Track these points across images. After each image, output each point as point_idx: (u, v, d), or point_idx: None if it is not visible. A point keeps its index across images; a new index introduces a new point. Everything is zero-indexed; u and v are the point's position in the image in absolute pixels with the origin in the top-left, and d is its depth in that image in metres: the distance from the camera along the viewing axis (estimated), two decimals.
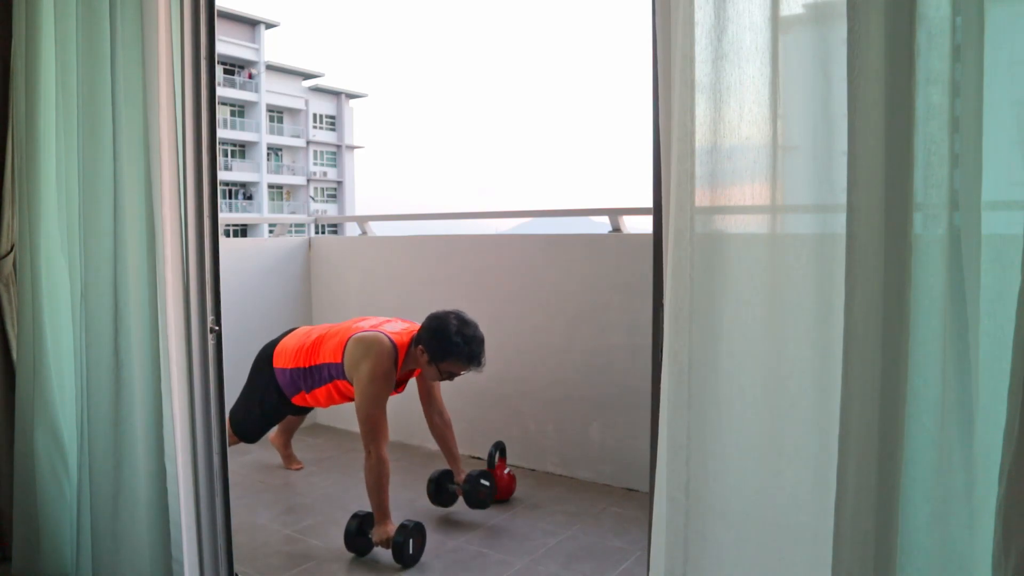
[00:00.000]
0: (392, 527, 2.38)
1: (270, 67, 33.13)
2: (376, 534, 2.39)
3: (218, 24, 1.87)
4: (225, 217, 10.65)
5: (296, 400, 2.76)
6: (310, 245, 4.03)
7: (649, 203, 1.45)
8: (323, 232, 23.37)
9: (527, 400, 3.25)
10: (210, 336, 1.88)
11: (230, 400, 1.97)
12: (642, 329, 2.81)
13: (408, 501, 2.88)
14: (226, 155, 31.33)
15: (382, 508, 2.41)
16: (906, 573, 1.05)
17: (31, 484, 2.02)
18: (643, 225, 3.15)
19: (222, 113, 30.38)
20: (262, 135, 32.32)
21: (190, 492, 1.88)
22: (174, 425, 1.85)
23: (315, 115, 35.40)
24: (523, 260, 3.31)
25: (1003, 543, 0.94)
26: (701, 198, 1.24)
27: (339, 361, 2.60)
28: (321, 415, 3.94)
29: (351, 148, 36.65)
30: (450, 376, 2.56)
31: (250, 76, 32.31)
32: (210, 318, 1.88)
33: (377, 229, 4.04)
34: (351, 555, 2.42)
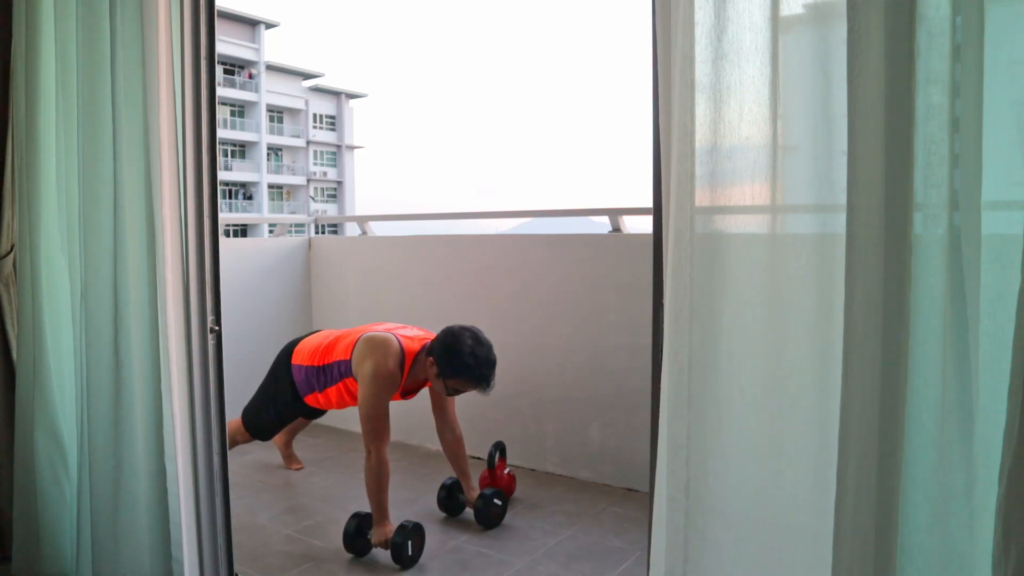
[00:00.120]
0: (391, 528, 2.38)
1: (270, 67, 33.14)
2: (375, 535, 2.39)
3: (218, 24, 1.87)
4: (225, 217, 10.66)
5: (309, 400, 2.76)
6: (310, 245, 4.03)
7: (649, 203, 1.45)
8: (323, 232, 23.37)
9: (527, 400, 3.25)
10: (210, 336, 1.88)
11: (230, 400, 1.97)
12: (642, 329, 2.81)
13: (408, 501, 2.88)
14: (226, 155, 31.33)
15: (381, 509, 2.41)
16: (906, 573, 1.05)
17: (31, 484, 2.02)
18: (643, 225, 3.15)
19: (222, 113, 30.39)
20: (262, 135, 32.33)
21: (190, 492, 1.88)
22: (174, 425, 1.85)
23: (315, 115, 35.41)
24: (523, 260, 3.31)
25: (1003, 543, 0.94)
26: (701, 198, 1.24)
27: (348, 358, 2.60)
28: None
29: (351, 148, 36.65)
30: (455, 392, 2.55)
31: (250, 76, 32.32)
32: (210, 318, 1.88)
33: (377, 229, 4.04)
34: (350, 555, 2.42)
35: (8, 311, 2.15)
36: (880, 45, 1.02)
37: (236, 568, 2.04)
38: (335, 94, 36.43)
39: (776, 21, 1.19)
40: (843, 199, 1.07)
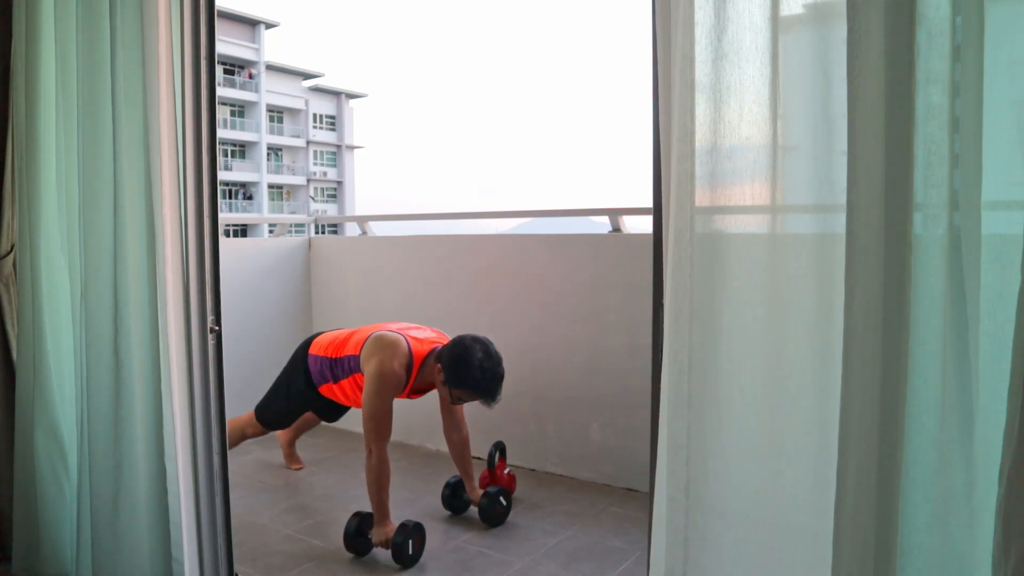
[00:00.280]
0: (392, 527, 2.38)
1: (270, 67, 33.14)
2: (375, 534, 2.39)
3: (218, 24, 1.87)
4: (225, 217, 10.65)
5: (323, 390, 2.75)
6: (310, 245, 4.03)
7: (649, 203, 1.45)
8: (323, 232, 23.37)
9: (527, 400, 3.25)
10: (210, 336, 1.88)
11: (230, 400, 1.96)
12: (642, 329, 2.81)
13: (408, 501, 2.88)
14: (226, 155, 31.33)
15: (382, 508, 2.41)
16: (906, 573, 1.05)
17: (31, 484, 2.02)
18: (643, 225, 3.15)
19: (222, 113, 30.39)
20: (262, 135, 32.33)
21: (190, 492, 1.88)
22: (174, 425, 1.85)
23: (315, 115, 35.41)
24: (523, 260, 3.30)
25: (1003, 543, 0.94)
26: (701, 198, 1.24)
27: (357, 354, 2.61)
28: None
29: (351, 148, 36.65)
30: (460, 401, 2.55)
31: (250, 76, 32.32)
32: (210, 318, 1.88)
33: (377, 229, 4.04)
34: (351, 555, 2.42)
35: (8, 311, 2.15)
36: (880, 45, 1.02)
37: (236, 568, 2.04)
38: (335, 94, 36.43)
39: (776, 21, 1.19)
40: (843, 199, 1.07)
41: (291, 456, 3.29)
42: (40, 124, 1.97)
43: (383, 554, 2.40)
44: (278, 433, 3.26)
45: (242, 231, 26.61)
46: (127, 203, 1.86)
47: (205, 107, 1.84)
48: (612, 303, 3.02)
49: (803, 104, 1.17)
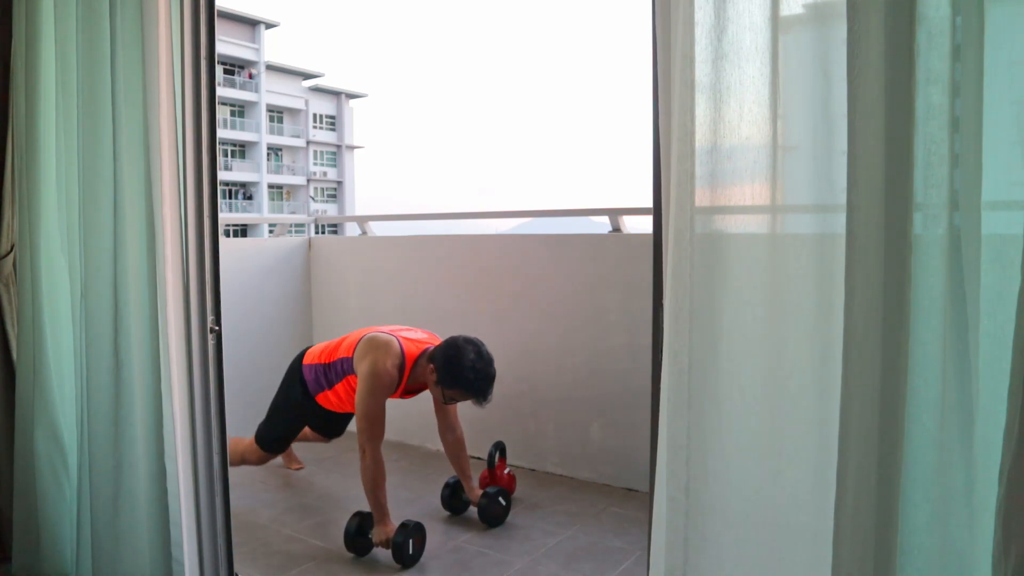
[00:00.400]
0: (392, 527, 2.38)
1: (270, 67, 33.14)
2: (376, 534, 2.39)
3: (218, 24, 1.87)
4: (225, 217, 10.65)
5: (320, 399, 2.75)
6: (310, 245, 4.03)
7: (649, 203, 1.45)
8: (323, 232, 23.37)
9: (527, 400, 3.25)
10: (210, 336, 1.88)
11: (230, 400, 1.96)
12: (642, 329, 2.81)
13: (408, 501, 2.88)
14: (226, 155, 31.33)
15: (380, 508, 2.41)
16: (906, 573, 1.05)
17: (31, 484, 2.02)
18: (643, 225, 3.15)
19: (222, 113, 30.39)
20: (262, 135, 32.33)
21: (190, 492, 1.88)
22: (174, 425, 1.85)
23: (315, 115, 35.41)
24: (523, 260, 3.30)
25: (1003, 543, 0.94)
26: (701, 198, 1.24)
27: (350, 356, 2.63)
28: None
29: (351, 148, 36.65)
30: (452, 400, 2.57)
31: (250, 76, 32.32)
32: (210, 318, 1.88)
33: (377, 229, 4.04)
34: (351, 555, 2.42)
35: (8, 311, 2.15)
36: (880, 45, 1.02)
37: (236, 568, 2.03)
38: (335, 94, 36.43)
39: (776, 21, 1.19)
40: (843, 199, 1.07)
41: (290, 456, 3.29)
42: (40, 124, 1.97)
43: (383, 554, 2.40)
44: None
45: (242, 231, 26.61)
46: (127, 203, 1.86)
47: (205, 107, 1.84)
48: (612, 303, 3.02)
49: (803, 104, 1.17)
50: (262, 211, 32.26)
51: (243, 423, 3.58)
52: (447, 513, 2.78)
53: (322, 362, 2.73)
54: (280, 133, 34.09)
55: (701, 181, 1.23)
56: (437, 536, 2.58)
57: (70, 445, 2.03)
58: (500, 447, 2.89)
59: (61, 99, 1.96)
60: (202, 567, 1.91)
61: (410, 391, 2.66)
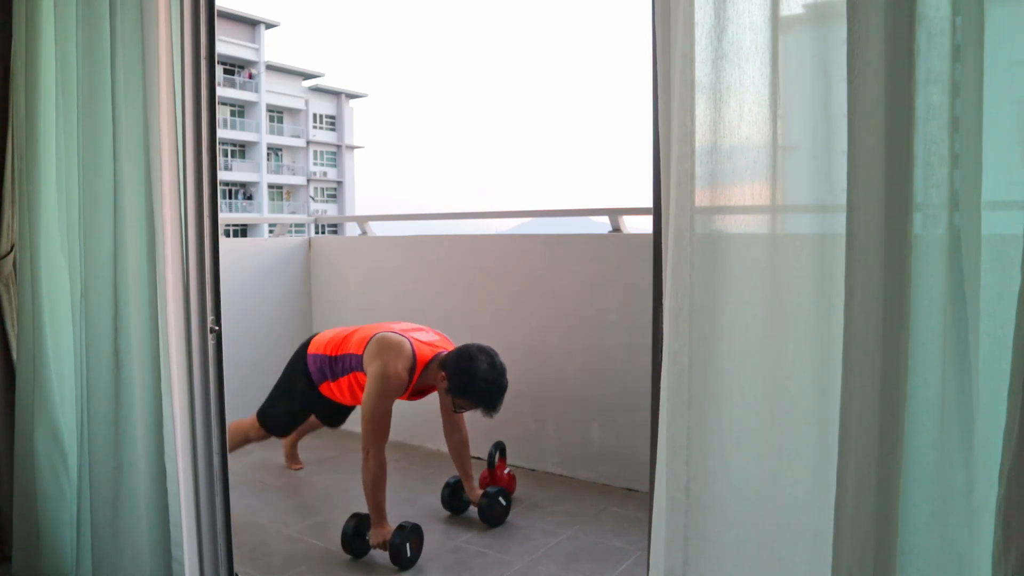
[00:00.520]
0: (389, 529, 2.38)
1: (270, 67, 33.14)
2: (373, 536, 2.38)
3: (218, 24, 1.87)
4: (225, 217, 10.66)
5: (323, 389, 2.74)
6: (310, 245, 4.03)
7: (649, 203, 1.45)
8: (323, 232, 23.37)
9: (527, 400, 3.25)
10: (210, 336, 1.88)
11: (230, 400, 1.96)
12: (642, 329, 2.79)
13: (407, 501, 2.88)
14: (226, 155, 31.33)
15: (379, 509, 2.41)
16: (906, 573, 1.05)
17: (31, 484, 2.02)
18: (643, 225, 3.15)
19: (222, 113, 30.38)
20: (262, 135, 32.33)
21: (190, 492, 1.88)
22: (174, 425, 1.85)
23: (315, 115, 35.41)
24: (523, 260, 3.30)
25: (1003, 543, 0.94)
26: (701, 198, 1.24)
27: (360, 353, 2.59)
28: None
29: (351, 148, 36.65)
30: (461, 409, 2.54)
31: (250, 76, 32.32)
32: (210, 318, 1.88)
33: (377, 229, 4.05)
34: (349, 556, 2.42)
35: (8, 311, 2.15)
36: (880, 45, 1.02)
37: (236, 568, 2.03)
38: (335, 94, 36.43)
39: (776, 21, 1.19)
40: (843, 199, 1.07)
41: (292, 456, 3.28)
42: (40, 124, 1.97)
43: (381, 555, 2.40)
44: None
45: (242, 231, 26.61)
46: (127, 203, 1.86)
47: (205, 107, 1.84)
48: (612, 303, 3.02)
49: (803, 104, 1.17)
50: (262, 211, 32.26)
51: None
52: (447, 513, 2.78)
53: (327, 354, 2.70)
54: (280, 133, 34.09)
55: (701, 181, 1.23)
56: (437, 536, 2.58)
57: (70, 445, 2.03)
58: (500, 447, 2.89)
59: (61, 99, 1.96)
60: (202, 567, 1.91)
61: (418, 392, 2.65)
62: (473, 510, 2.76)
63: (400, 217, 4.38)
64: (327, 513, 2.79)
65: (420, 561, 2.37)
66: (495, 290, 3.36)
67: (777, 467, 1.22)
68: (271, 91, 33.03)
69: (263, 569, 2.35)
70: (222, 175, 28.11)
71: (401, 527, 2.34)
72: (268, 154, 33.02)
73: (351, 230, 4.71)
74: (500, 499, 2.66)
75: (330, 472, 3.25)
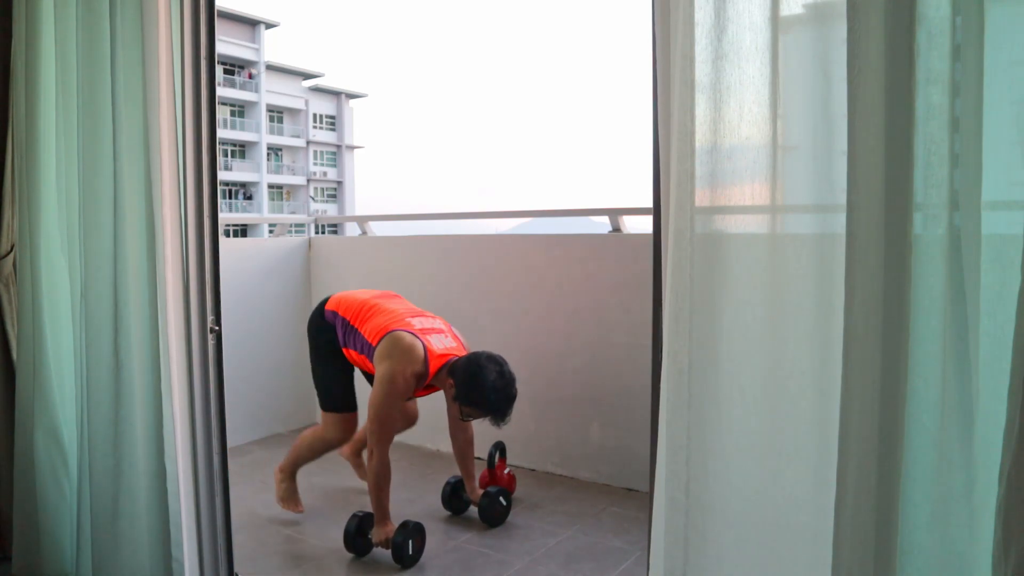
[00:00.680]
0: (392, 527, 2.38)
1: (270, 67, 33.13)
2: (375, 534, 2.39)
3: (218, 24, 1.87)
4: (225, 217, 10.66)
5: (346, 352, 2.65)
6: (310, 245, 4.03)
7: (649, 203, 1.45)
8: (323, 232, 23.37)
9: (527, 400, 3.24)
10: (210, 336, 1.88)
11: (230, 400, 1.96)
12: (642, 329, 2.80)
13: (409, 501, 2.88)
14: (226, 155, 31.33)
15: (382, 509, 2.41)
16: (906, 573, 1.05)
17: (31, 484, 2.02)
18: (643, 225, 3.15)
19: (222, 113, 30.38)
20: (262, 135, 32.32)
21: (190, 492, 1.88)
22: (174, 425, 1.85)
23: (315, 115, 35.40)
24: (523, 260, 3.30)
25: (1003, 543, 0.94)
26: (701, 198, 1.24)
27: (373, 344, 2.53)
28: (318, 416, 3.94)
29: (351, 148, 36.65)
30: (469, 417, 2.50)
31: (250, 76, 32.32)
32: (210, 318, 1.88)
33: (377, 229, 4.04)
34: (351, 555, 2.42)
35: (8, 311, 2.15)
36: (880, 45, 1.02)
37: (236, 568, 2.03)
38: (335, 94, 36.42)
39: (776, 21, 1.19)
40: (843, 199, 1.07)
41: (360, 466, 3.07)
42: (40, 124, 1.97)
43: (383, 554, 2.40)
44: (340, 451, 3.04)
45: (242, 231, 26.61)
46: (127, 203, 1.86)
47: (205, 107, 1.84)
48: (612, 303, 3.02)
49: (803, 104, 1.17)
50: (262, 211, 32.26)
51: (243, 423, 3.60)
52: (447, 513, 2.78)
53: (346, 318, 2.62)
54: (280, 133, 34.08)
55: (701, 181, 1.23)
56: (437, 536, 2.58)
57: (70, 445, 2.03)
58: (500, 447, 2.89)
59: (61, 99, 1.96)
60: (202, 567, 1.91)
61: (425, 389, 2.62)
62: (473, 510, 2.76)
63: (400, 217, 4.38)
64: (327, 513, 2.79)
65: (421, 561, 2.37)
66: (495, 290, 3.36)
67: (777, 467, 1.22)
68: (271, 91, 33.03)
69: (263, 569, 2.35)
70: (222, 175, 28.12)
71: (403, 525, 2.34)
72: (268, 154, 33.02)
73: (351, 230, 4.71)
74: (500, 499, 2.67)
75: (330, 472, 3.25)
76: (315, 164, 35.36)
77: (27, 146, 1.99)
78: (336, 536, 2.52)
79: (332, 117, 36.27)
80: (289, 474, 2.78)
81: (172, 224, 1.82)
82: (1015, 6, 1.02)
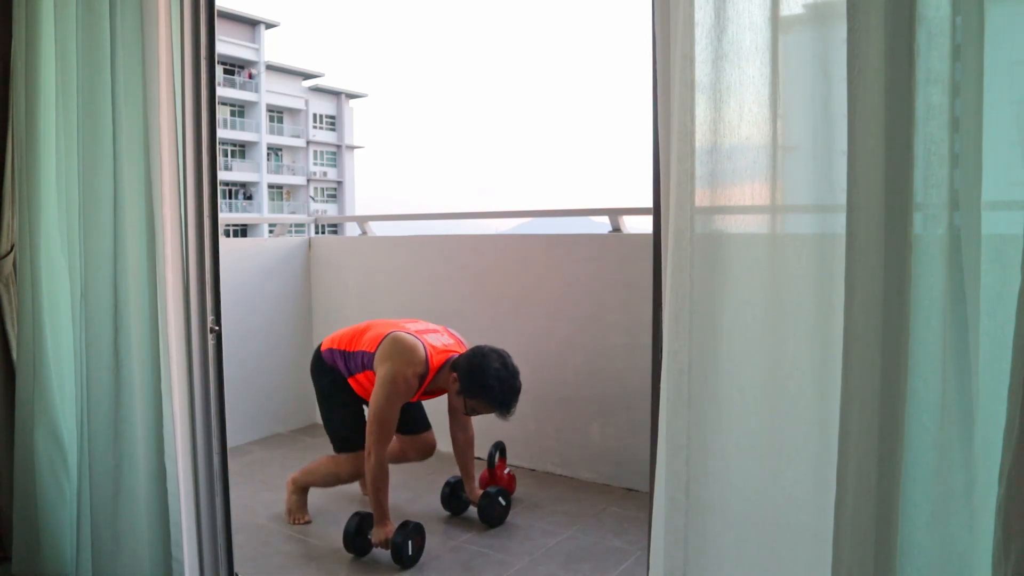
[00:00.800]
0: (391, 528, 2.38)
1: (270, 67, 33.13)
2: (375, 535, 2.39)
3: (218, 24, 1.87)
4: (225, 217, 10.65)
5: (351, 383, 2.66)
6: (310, 245, 4.03)
7: (649, 203, 1.45)
8: (323, 232, 23.37)
9: (527, 400, 3.24)
10: (210, 336, 1.88)
11: (230, 400, 1.96)
12: (642, 329, 2.81)
13: (408, 501, 2.88)
14: (226, 155, 31.32)
15: (381, 508, 2.41)
16: (906, 573, 1.05)
17: (31, 484, 2.02)
18: (643, 225, 3.15)
19: (222, 113, 30.38)
20: (262, 135, 32.32)
21: (190, 492, 1.88)
22: (174, 425, 1.85)
23: (315, 115, 35.40)
24: (523, 260, 3.30)
25: (1003, 543, 0.94)
26: (701, 198, 1.24)
27: (372, 351, 2.54)
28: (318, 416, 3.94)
29: (351, 148, 36.65)
30: (474, 412, 2.49)
31: (250, 76, 32.32)
32: (210, 318, 1.88)
33: (377, 229, 4.05)
34: (351, 555, 2.42)
35: (8, 311, 2.15)
36: (880, 45, 1.02)
37: (236, 568, 2.03)
38: (335, 94, 36.42)
39: (776, 21, 1.19)
40: (843, 199, 1.07)
41: (302, 508, 2.93)
42: (40, 124, 1.97)
43: (383, 554, 2.40)
44: (360, 485, 2.98)
45: (242, 231, 26.61)
46: (127, 203, 1.86)
47: (205, 107, 1.84)
48: (612, 303, 3.02)
49: (803, 104, 1.17)
50: (262, 211, 32.26)
51: (243, 423, 3.60)
52: (447, 513, 2.78)
53: (342, 349, 2.64)
54: (280, 133, 34.08)
55: (701, 181, 1.23)
56: (437, 536, 2.58)
57: (70, 445, 2.03)
58: (500, 447, 2.89)
59: (61, 99, 1.96)
60: (202, 567, 1.91)
61: (428, 393, 2.62)
62: (473, 510, 2.76)
63: (400, 217, 4.38)
64: (327, 513, 2.79)
65: (420, 561, 2.37)
66: (495, 290, 3.36)
67: (777, 467, 1.22)
68: (271, 91, 33.03)
69: (263, 569, 2.35)
70: (222, 175, 28.13)
71: (403, 526, 2.34)
72: (268, 154, 33.02)
73: (351, 230, 4.71)
74: (500, 499, 2.67)
75: None
76: (315, 164, 35.36)
77: (27, 146, 1.99)
78: (336, 536, 2.52)
79: (332, 117, 36.27)
80: (301, 488, 2.77)
81: (172, 224, 1.82)
82: (1015, 6, 1.02)
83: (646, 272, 1.50)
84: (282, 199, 34.38)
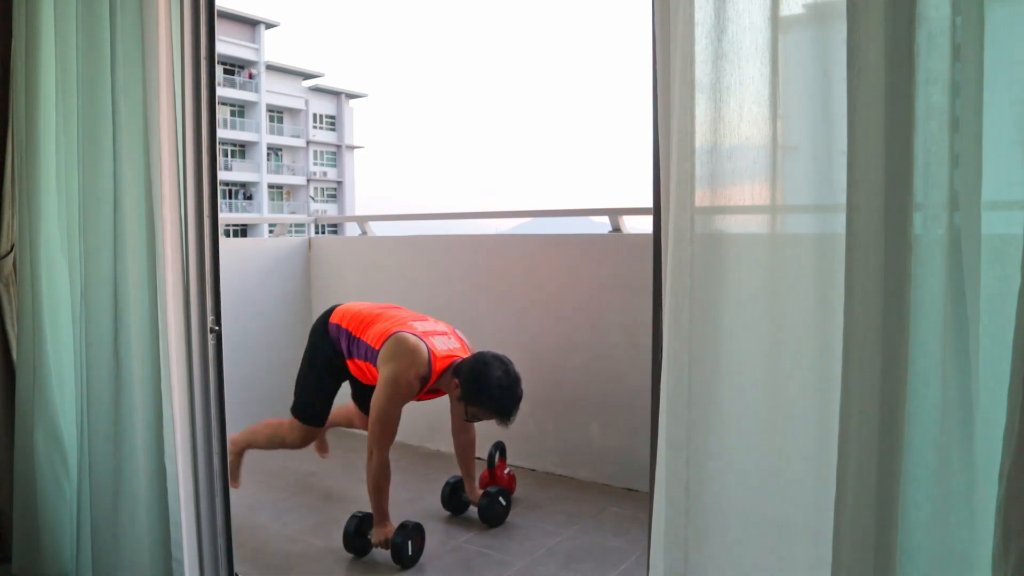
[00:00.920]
0: (391, 528, 2.38)
1: (270, 67, 33.14)
2: (374, 535, 2.39)
3: (218, 24, 1.87)
4: (225, 217, 10.66)
5: (350, 364, 2.66)
6: (310, 245, 4.03)
7: (649, 203, 1.45)
8: (323, 232, 23.37)
9: (527, 400, 3.23)
10: (210, 336, 1.88)
11: (230, 400, 1.96)
12: (642, 329, 2.80)
13: (408, 501, 2.88)
14: (226, 155, 31.33)
15: (381, 509, 2.41)
16: (906, 573, 1.05)
17: (31, 484, 2.02)
18: (643, 225, 3.15)
19: (222, 113, 30.37)
20: (262, 135, 32.33)
21: (190, 492, 1.88)
22: (174, 425, 1.85)
23: (315, 115, 35.41)
24: (523, 260, 3.30)
25: (1003, 543, 0.94)
26: (701, 198, 1.24)
27: (377, 348, 2.53)
28: None
29: (351, 148, 36.65)
30: (474, 418, 2.49)
31: (250, 76, 32.32)
32: (210, 318, 1.88)
33: (377, 229, 4.05)
34: (351, 556, 2.42)
35: (8, 311, 2.15)
36: (880, 45, 1.02)
37: (236, 568, 2.03)
38: (335, 94, 36.42)
39: (776, 21, 1.19)
40: (843, 199, 1.07)
41: (321, 441, 3.16)
42: (40, 124, 1.97)
43: (383, 554, 2.40)
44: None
45: (242, 231, 26.61)
46: (127, 203, 1.86)
47: (205, 107, 1.84)
48: (612, 303, 3.02)
49: (803, 104, 1.17)
50: (262, 211, 32.26)
51: (244, 423, 3.59)
52: (447, 513, 2.78)
53: (349, 329, 2.63)
54: (280, 133, 34.09)
55: (701, 181, 1.23)
56: (437, 536, 2.58)
57: (70, 445, 2.03)
58: (500, 447, 2.89)
59: (61, 99, 1.96)
60: (202, 567, 1.91)
61: (430, 393, 2.62)
62: (473, 510, 2.76)
63: (400, 217, 4.38)
64: (327, 513, 2.79)
65: (420, 561, 2.37)
66: (495, 290, 3.36)
67: (777, 467, 1.22)
68: (271, 91, 33.03)
69: (263, 569, 2.35)
70: (222, 175, 28.09)
71: (403, 526, 2.34)
72: (268, 154, 33.02)
73: (351, 230, 4.71)
74: (500, 499, 2.67)
75: (331, 472, 3.25)
76: (315, 164, 35.37)
77: (27, 146, 1.99)
78: (336, 536, 2.51)
79: (332, 117, 36.28)
80: (239, 451, 2.82)
81: (172, 224, 1.82)
82: (1015, 6, 1.02)
83: (646, 272, 1.50)
84: (282, 199, 34.38)
